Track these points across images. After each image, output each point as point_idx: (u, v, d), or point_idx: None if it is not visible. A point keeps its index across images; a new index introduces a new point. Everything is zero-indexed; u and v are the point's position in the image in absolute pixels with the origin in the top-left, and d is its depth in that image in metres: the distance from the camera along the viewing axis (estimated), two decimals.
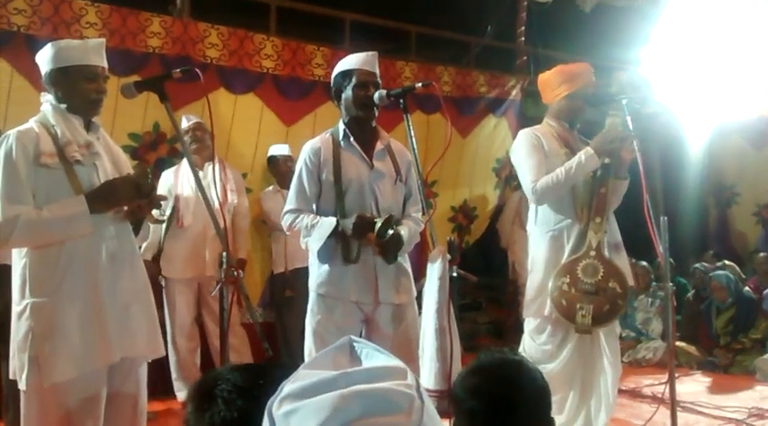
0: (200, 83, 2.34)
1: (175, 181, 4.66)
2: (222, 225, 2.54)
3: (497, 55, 7.24)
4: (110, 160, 2.56)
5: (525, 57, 7.03)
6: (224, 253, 2.42)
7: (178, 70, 2.45)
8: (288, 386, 0.84)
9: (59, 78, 2.47)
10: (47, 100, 2.50)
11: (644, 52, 6.92)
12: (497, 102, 6.80)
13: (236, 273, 2.36)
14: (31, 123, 2.46)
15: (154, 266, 4.53)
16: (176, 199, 4.61)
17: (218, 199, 3.61)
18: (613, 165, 3.30)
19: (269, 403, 0.84)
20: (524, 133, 3.49)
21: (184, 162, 4.66)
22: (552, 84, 3.54)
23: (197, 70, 2.46)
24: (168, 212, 4.55)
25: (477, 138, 6.68)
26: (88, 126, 2.54)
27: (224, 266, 2.40)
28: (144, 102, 4.28)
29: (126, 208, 2.50)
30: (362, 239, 2.84)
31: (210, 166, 4.57)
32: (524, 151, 3.40)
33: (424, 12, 6.55)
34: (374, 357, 0.90)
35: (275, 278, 5.25)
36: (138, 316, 2.52)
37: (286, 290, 5.11)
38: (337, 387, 0.81)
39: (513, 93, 6.85)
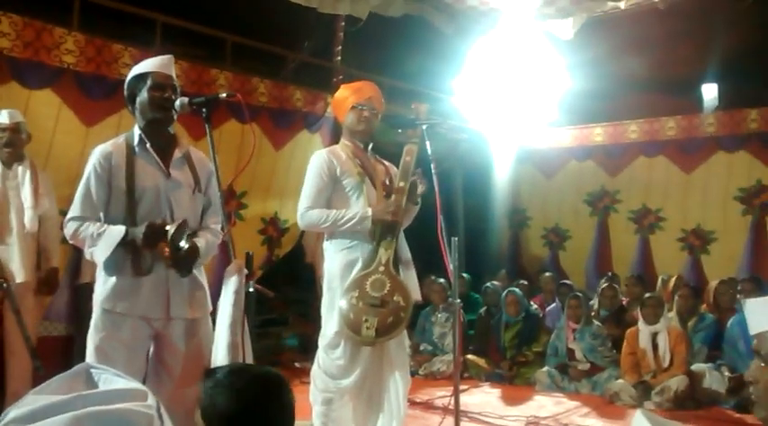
0: None
1: None
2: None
3: (315, 71, 7.34)
4: None
5: (341, 76, 7.17)
6: None
7: None
8: (14, 411, 0.79)
9: None
10: None
11: (456, 82, 7.40)
12: (313, 118, 6.88)
13: (5, 286, 2.18)
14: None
15: None
16: None
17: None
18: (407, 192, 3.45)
19: None
20: (317, 156, 3.55)
21: None
22: (340, 99, 3.66)
23: None
24: None
25: (290, 152, 6.69)
26: None
27: None
28: None
29: None
30: (154, 249, 2.70)
31: (20, 167, 4.27)
32: (310, 174, 3.49)
33: (242, 22, 6.46)
34: (113, 381, 0.88)
35: (80, 288, 4.89)
36: None
37: (90, 302, 4.77)
38: (72, 410, 0.78)
39: (329, 109, 6.96)
